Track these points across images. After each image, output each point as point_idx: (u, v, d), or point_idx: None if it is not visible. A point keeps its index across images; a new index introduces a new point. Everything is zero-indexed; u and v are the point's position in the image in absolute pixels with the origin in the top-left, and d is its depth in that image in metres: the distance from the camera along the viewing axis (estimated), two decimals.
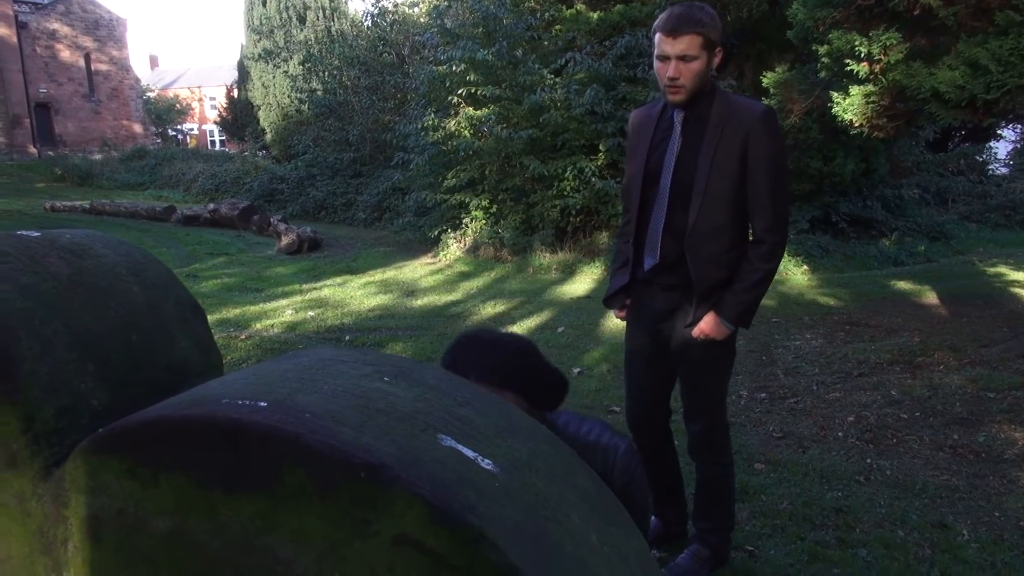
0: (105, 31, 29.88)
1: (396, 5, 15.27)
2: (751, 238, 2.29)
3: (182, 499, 0.69)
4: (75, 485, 0.74)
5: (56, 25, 28.24)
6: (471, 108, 9.26)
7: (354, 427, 0.68)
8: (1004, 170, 13.82)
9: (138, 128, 31.02)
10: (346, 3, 22.81)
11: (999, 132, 13.88)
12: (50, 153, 26.04)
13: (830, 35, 4.61)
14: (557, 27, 9.98)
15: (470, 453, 0.70)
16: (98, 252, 0.96)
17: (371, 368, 0.83)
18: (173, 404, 0.74)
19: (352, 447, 0.65)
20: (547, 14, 9.89)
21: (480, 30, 9.53)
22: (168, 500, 0.70)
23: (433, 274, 8.62)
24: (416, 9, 15.90)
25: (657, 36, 2.15)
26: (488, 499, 0.65)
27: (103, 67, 29.89)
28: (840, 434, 3.66)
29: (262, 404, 0.69)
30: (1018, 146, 14.74)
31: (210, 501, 0.68)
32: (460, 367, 1.40)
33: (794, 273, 8.06)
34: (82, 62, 29.13)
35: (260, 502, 0.67)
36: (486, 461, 0.70)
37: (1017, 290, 6.63)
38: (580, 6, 10.10)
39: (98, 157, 23.94)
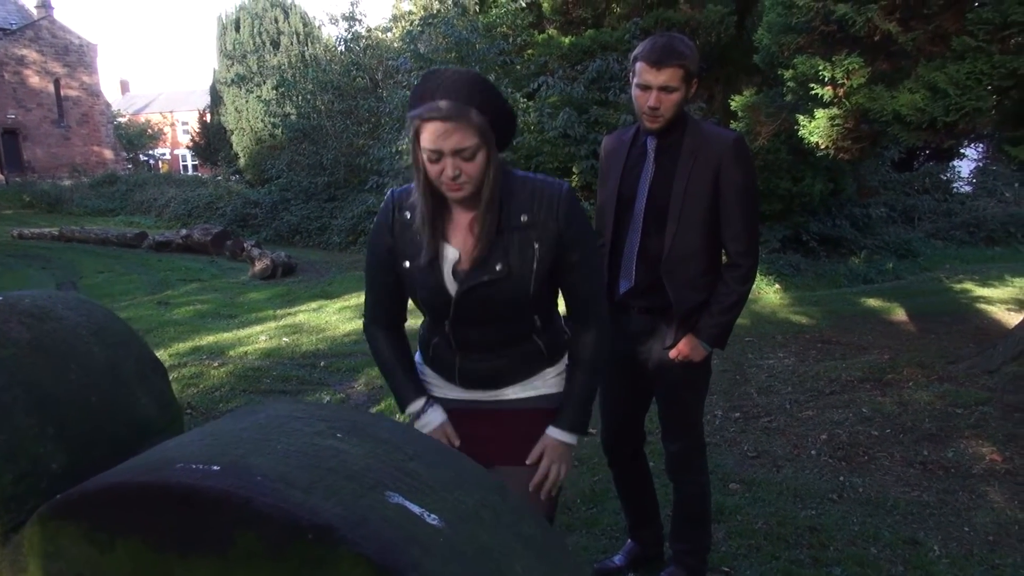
0: (75, 56, 29.67)
1: (369, 30, 15.34)
2: (725, 262, 2.34)
3: (138, 563, 0.70)
4: (33, 550, 0.75)
5: (25, 51, 27.99)
6: None
7: (304, 488, 0.69)
8: (967, 188, 14.16)
9: (109, 154, 30.72)
10: (320, 28, 22.88)
11: (962, 151, 14.24)
12: (18, 179, 25.67)
13: (795, 60, 4.72)
14: (529, 51, 10.11)
15: (416, 509, 0.72)
16: (59, 314, 0.96)
17: (325, 424, 0.84)
18: (129, 469, 0.74)
19: (301, 509, 0.66)
20: (519, 39, 10.02)
21: (453, 55, 9.62)
22: (125, 565, 0.70)
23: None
24: (389, 34, 15.99)
25: (639, 65, 2.19)
26: (432, 555, 0.67)
27: (73, 92, 29.63)
28: (813, 452, 3.70)
29: (215, 468, 0.70)
30: (980, 165, 15.13)
31: (165, 565, 0.69)
32: (429, 90, 1.48)
33: (766, 292, 8.16)
34: (51, 88, 28.86)
35: (214, 565, 0.68)
36: (432, 516, 0.72)
37: (983, 306, 6.77)
38: (552, 31, 10.24)
39: (68, 183, 23.64)
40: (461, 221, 1.64)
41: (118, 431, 0.93)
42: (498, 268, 1.60)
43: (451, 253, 1.64)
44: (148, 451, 0.81)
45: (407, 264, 1.67)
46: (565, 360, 1.85)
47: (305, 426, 0.83)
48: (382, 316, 1.81)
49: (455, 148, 1.49)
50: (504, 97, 1.59)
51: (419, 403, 1.78)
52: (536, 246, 1.61)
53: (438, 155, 1.50)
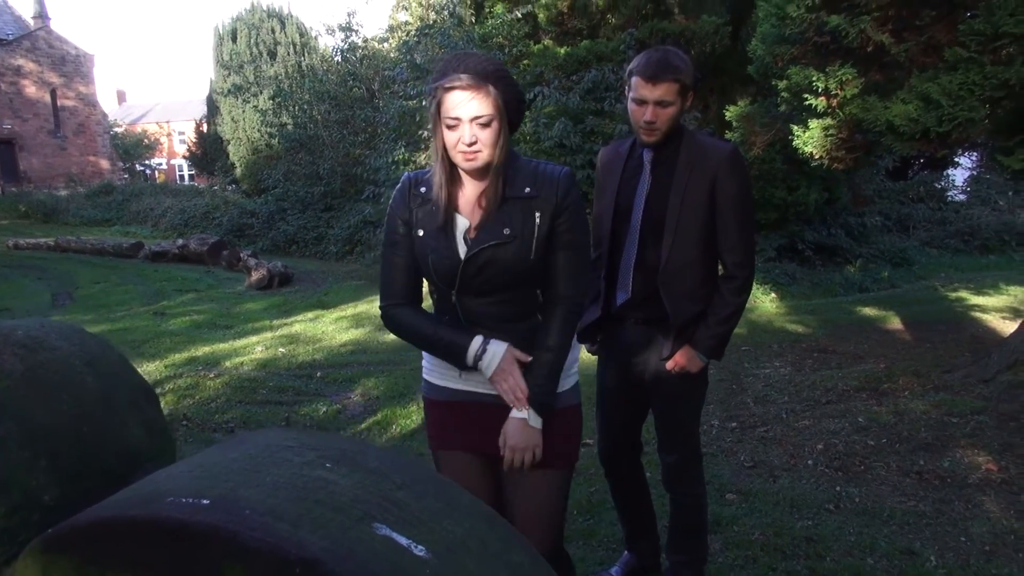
0: (72, 67, 29.68)
1: (366, 40, 15.37)
2: (721, 273, 2.35)
3: None
4: None
5: (21, 61, 28.00)
6: None
7: (292, 521, 0.69)
8: (962, 197, 14.21)
9: (105, 164, 30.70)
10: (316, 39, 22.92)
11: (956, 160, 14.31)
12: (14, 190, 25.62)
13: (788, 71, 4.74)
14: (525, 62, 10.14)
15: (404, 540, 0.72)
16: (52, 344, 0.97)
17: (315, 454, 0.84)
18: (119, 503, 0.75)
19: (288, 543, 0.67)
20: (515, 49, 10.05)
21: None
22: None
23: None
24: (386, 44, 16.03)
25: (635, 80, 2.22)
26: None
27: (69, 103, 29.63)
28: (809, 462, 3.70)
29: (204, 502, 0.71)
30: (974, 173, 15.20)
31: None
32: (451, 66, 1.67)
33: (763, 301, 8.18)
34: (48, 98, 28.86)
35: None
36: (419, 548, 0.72)
37: (977, 314, 6.79)
38: (547, 41, 10.28)
39: (64, 193, 23.59)
40: (471, 195, 1.78)
41: (110, 461, 0.94)
42: (505, 232, 1.73)
43: (462, 222, 1.77)
44: (139, 482, 0.81)
45: (421, 232, 1.79)
46: (574, 354, 1.94)
47: (294, 456, 0.83)
48: (402, 294, 1.86)
49: (473, 115, 1.65)
50: (516, 81, 1.75)
51: (477, 342, 1.80)
52: (537, 215, 1.75)
53: (457, 121, 1.66)
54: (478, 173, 1.74)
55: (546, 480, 1.86)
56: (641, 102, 2.21)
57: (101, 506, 0.75)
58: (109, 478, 0.91)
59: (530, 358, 1.82)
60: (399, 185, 1.86)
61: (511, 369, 1.79)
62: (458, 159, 1.70)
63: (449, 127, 1.67)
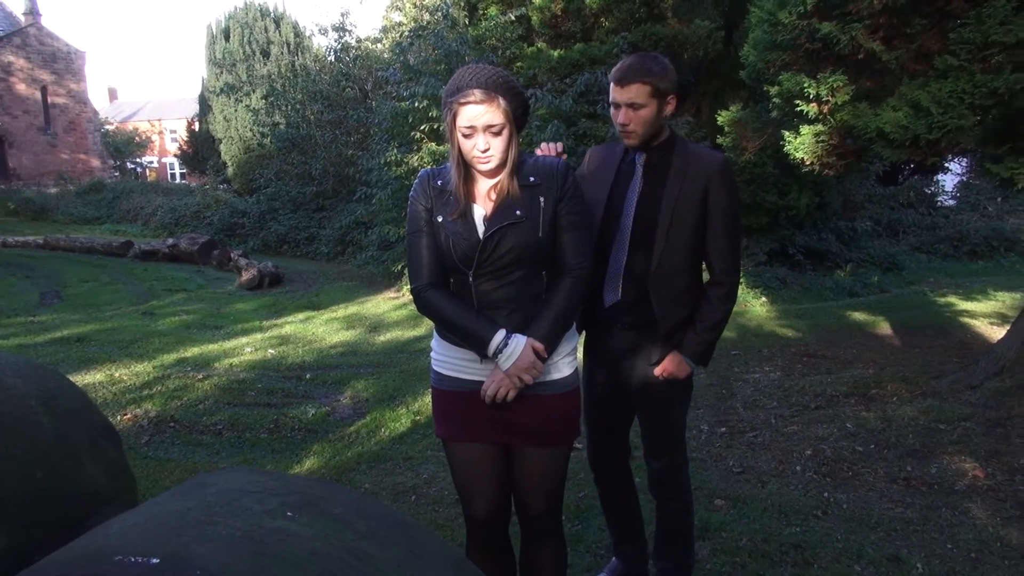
0: (63, 64, 29.49)
1: (359, 41, 15.36)
2: (709, 280, 2.36)
3: None
4: None
5: (12, 58, 27.81)
6: (433, 143, 9.33)
7: None
8: (951, 202, 14.30)
9: (95, 161, 30.51)
10: (310, 38, 22.88)
11: (946, 165, 14.39)
12: (3, 187, 25.43)
13: (780, 77, 4.75)
14: (519, 64, 10.14)
15: None
16: (8, 383, 0.95)
17: (276, 501, 0.83)
18: (64, 563, 0.72)
19: None
20: (508, 52, 10.05)
21: (442, 67, 9.63)
22: None
23: (397, 309, 8.58)
24: (379, 45, 16.02)
25: (611, 85, 2.27)
26: None
27: (60, 100, 29.44)
28: (798, 468, 3.71)
29: (154, 561, 0.69)
30: (964, 179, 15.29)
31: None
32: (465, 81, 1.83)
33: (753, 304, 8.20)
34: (38, 95, 28.67)
35: None
36: None
37: (966, 320, 6.83)
38: (541, 44, 10.28)
39: (53, 191, 23.44)
40: (483, 189, 1.96)
41: (65, 507, 0.92)
42: (517, 213, 1.91)
43: (477, 211, 1.95)
44: (87, 535, 0.79)
45: (440, 218, 1.95)
46: (573, 342, 2.08)
47: (255, 503, 0.82)
48: (429, 274, 1.99)
49: (487, 124, 1.83)
50: (521, 87, 1.94)
51: (501, 334, 1.92)
52: (542, 200, 1.94)
53: (471, 131, 1.84)
54: (491, 173, 1.91)
55: (546, 458, 2.04)
56: (616, 106, 2.26)
57: (44, 566, 0.73)
58: (64, 524, 0.89)
59: (543, 347, 1.94)
60: (417, 179, 2.03)
61: (527, 366, 1.91)
62: (474, 163, 1.89)
63: (465, 136, 1.85)
